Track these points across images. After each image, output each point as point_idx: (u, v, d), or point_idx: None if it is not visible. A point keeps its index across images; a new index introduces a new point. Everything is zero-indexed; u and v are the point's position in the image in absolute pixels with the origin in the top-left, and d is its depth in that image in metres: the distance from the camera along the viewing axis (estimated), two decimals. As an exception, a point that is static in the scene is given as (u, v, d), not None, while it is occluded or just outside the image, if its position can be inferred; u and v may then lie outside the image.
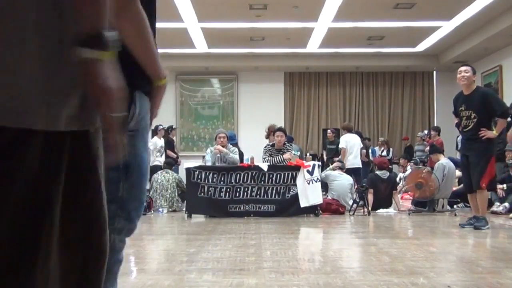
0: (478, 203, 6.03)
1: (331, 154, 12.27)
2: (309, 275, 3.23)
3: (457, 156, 10.46)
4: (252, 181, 7.41)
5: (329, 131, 12.95)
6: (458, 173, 8.99)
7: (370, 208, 7.89)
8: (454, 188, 8.64)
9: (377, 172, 8.61)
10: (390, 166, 11.50)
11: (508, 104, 6.97)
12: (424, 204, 8.14)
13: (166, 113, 14.96)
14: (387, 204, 8.34)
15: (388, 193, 8.44)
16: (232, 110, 15.42)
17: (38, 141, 0.87)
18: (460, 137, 7.69)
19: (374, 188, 8.24)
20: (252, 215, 7.33)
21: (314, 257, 3.91)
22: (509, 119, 6.58)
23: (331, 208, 7.83)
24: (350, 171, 9.32)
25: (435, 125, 14.26)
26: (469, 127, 5.89)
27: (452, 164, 8.43)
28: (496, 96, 5.99)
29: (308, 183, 7.46)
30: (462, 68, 6.04)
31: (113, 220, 1.34)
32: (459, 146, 8.35)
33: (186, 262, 3.79)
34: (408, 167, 11.21)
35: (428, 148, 11.81)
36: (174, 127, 11.22)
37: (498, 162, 7.56)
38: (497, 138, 6.36)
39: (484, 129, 5.79)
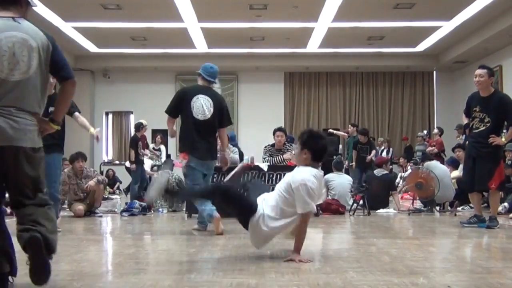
0: (491, 204, 6.05)
1: None
2: (309, 275, 3.23)
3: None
4: (252, 181, 7.40)
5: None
6: (454, 174, 8.97)
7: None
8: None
9: (374, 171, 8.67)
10: (390, 166, 11.48)
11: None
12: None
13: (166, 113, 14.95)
14: (383, 204, 8.29)
15: (384, 193, 8.41)
16: (232, 110, 15.38)
17: None
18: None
19: (368, 186, 8.21)
20: (252, 215, 7.31)
21: (314, 257, 3.90)
22: None
23: (331, 208, 7.82)
24: None
25: (436, 125, 14.27)
26: (480, 129, 5.75)
27: (441, 166, 8.39)
28: None
29: (308, 183, 7.44)
30: (477, 72, 5.81)
31: None
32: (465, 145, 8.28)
33: (186, 262, 3.79)
34: (408, 167, 11.19)
35: (429, 148, 11.81)
36: (144, 124, 9.90)
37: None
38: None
39: (493, 136, 5.70)
